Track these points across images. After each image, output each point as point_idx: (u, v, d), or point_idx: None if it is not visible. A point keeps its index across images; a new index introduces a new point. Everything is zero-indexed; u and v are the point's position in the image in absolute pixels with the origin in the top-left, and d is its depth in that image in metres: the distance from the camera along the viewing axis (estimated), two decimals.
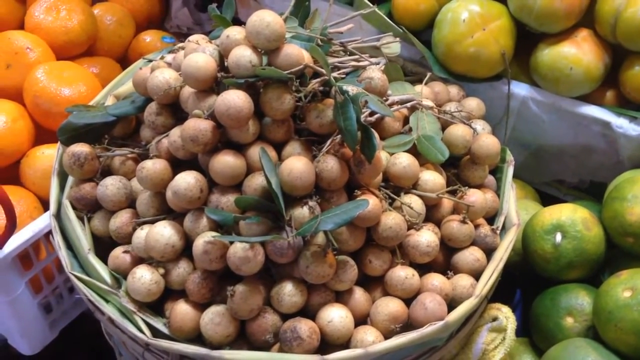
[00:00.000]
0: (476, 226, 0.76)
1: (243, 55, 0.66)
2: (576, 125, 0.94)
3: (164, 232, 0.67)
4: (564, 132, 0.95)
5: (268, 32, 0.65)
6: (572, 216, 0.84)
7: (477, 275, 0.73)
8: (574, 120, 0.94)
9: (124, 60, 1.18)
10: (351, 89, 0.69)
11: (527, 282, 0.93)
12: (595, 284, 0.83)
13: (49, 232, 0.84)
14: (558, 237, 0.83)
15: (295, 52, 0.67)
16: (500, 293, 0.79)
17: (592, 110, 0.93)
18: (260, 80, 0.67)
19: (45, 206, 0.95)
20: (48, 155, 0.95)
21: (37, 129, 1.00)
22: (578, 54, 0.91)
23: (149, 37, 1.20)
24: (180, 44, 0.83)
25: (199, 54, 0.68)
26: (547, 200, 1.01)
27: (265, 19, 0.66)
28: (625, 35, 0.89)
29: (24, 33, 1.03)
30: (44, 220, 0.87)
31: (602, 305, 0.77)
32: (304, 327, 0.63)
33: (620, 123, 0.91)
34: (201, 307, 0.66)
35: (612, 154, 0.93)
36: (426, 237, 0.71)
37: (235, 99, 0.64)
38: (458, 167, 0.82)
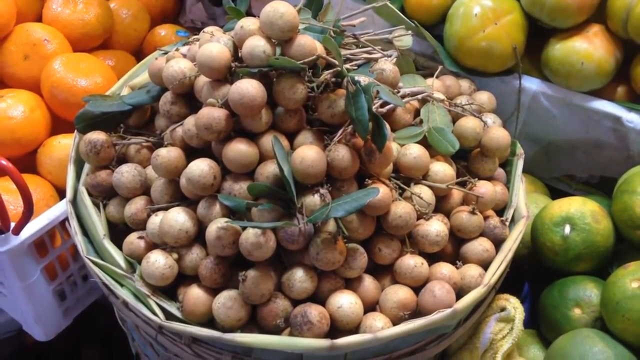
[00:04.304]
0: (485, 218, 0.77)
1: (257, 45, 0.67)
2: (587, 120, 0.94)
3: (177, 218, 0.68)
4: (574, 127, 0.96)
5: (282, 23, 0.67)
6: (581, 209, 0.84)
7: (485, 265, 0.74)
8: (584, 115, 0.94)
9: (139, 54, 1.20)
10: (363, 79, 0.70)
11: (535, 275, 0.94)
12: (603, 277, 0.83)
13: (64, 220, 0.86)
14: (567, 229, 0.83)
15: (309, 43, 0.68)
16: (508, 286, 0.79)
17: (603, 105, 0.93)
18: (273, 70, 0.68)
19: (60, 195, 0.96)
20: (64, 144, 0.96)
21: (54, 119, 1.01)
22: (589, 49, 0.91)
23: (164, 31, 1.22)
24: (195, 37, 0.84)
25: (214, 43, 0.69)
26: (557, 195, 1.00)
27: (279, 9, 0.67)
28: (636, 30, 0.89)
29: (42, 25, 1.05)
30: (60, 208, 0.89)
31: (609, 296, 0.77)
32: (314, 312, 0.65)
33: (631, 118, 0.91)
34: (213, 291, 0.68)
35: (623, 149, 0.94)
36: (436, 227, 0.72)
37: (249, 87, 0.65)
38: (468, 159, 0.83)
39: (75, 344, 1.21)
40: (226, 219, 0.66)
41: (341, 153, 0.67)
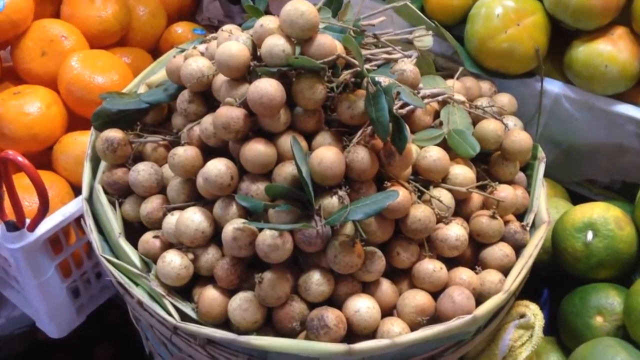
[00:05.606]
0: (506, 222, 0.76)
1: (276, 44, 0.66)
2: (610, 124, 0.92)
3: (194, 218, 0.67)
4: (597, 130, 0.94)
5: (302, 22, 0.66)
6: (604, 214, 0.82)
7: (505, 271, 0.73)
8: (607, 119, 0.92)
9: (156, 51, 1.20)
10: (383, 80, 0.68)
11: (555, 281, 0.92)
12: (626, 284, 0.82)
13: (79, 217, 0.86)
14: (589, 235, 0.82)
15: (329, 42, 0.67)
16: (527, 292, 0.78)
17: (627, 109, 0.91)
18: (292, 70, 0.67)
19: (76, 192, 0.96)
20: (80, 141, 0.96)
21: (70, 116, 1.01)
22: (614, 51, 0.89)
23: (181, 28, 1.22)
24: (213, 35, 0.84)
25: (233, 42, 0.68)
26: (577, 200, 0.99)
27: (299, 8, 0.66)
28: None
29: (60, 22, 1.05)
30: (75, 205, 0.89)
31: (633, 304, 0.75)
32: (331, 315, 0.63)
33: None
34: (229, 293, 0.67)
35: None
36: (455, 231, 0.71)
37: (268, 87, 0.64)
38: (488, 162, 0.82)
39: (88, 341, 1.21)
40: (243, 220, 0.65)
41: (360, 155, 0.66)
